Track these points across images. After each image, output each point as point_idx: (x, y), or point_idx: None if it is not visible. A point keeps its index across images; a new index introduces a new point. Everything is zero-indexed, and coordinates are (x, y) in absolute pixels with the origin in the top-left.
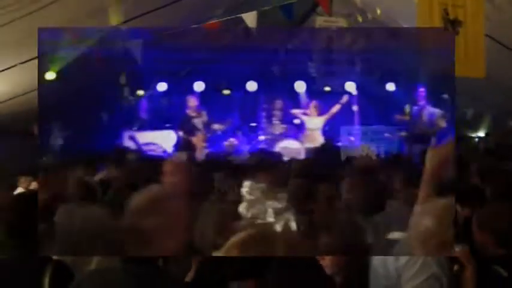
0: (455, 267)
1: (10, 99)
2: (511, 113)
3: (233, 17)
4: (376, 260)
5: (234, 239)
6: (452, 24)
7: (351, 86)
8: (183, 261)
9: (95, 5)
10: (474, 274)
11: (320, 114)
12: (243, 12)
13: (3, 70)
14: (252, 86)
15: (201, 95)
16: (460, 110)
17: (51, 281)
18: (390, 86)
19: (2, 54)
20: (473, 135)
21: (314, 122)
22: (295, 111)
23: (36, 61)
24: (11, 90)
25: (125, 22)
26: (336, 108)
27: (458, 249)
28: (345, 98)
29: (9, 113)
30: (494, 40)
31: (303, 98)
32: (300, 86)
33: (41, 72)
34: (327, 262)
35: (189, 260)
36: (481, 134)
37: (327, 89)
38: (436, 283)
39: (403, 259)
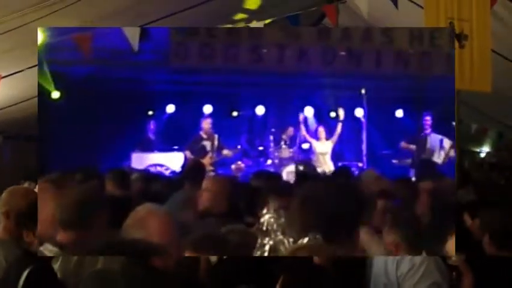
0: (454, 275)
1: (14, 104)
2: None
3: (242, 26)
4: (377, 269)
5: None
6: (459, 38)
7: (359, 112)
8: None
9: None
10: (472, 281)
11: (327, 138)
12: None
13: (7, 76)
14: (260, 109)
15: (210, 118)
16: (465, 124)
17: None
18: (399, 113)
19: (5, 60)
20: (478, 149)
21: (323, 146)
22: (305, 133)
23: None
24: (16, 95)
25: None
26: (339, 128)
27: (455, 258)
28: (341, 113)
29: (13, 118)
30: (500, 55)
31: (311, 123)
32: (308, 111)
33: (41, 78)
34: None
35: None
36: (486, 148)
37: (333, 114)
38: None
39: (404, 267)
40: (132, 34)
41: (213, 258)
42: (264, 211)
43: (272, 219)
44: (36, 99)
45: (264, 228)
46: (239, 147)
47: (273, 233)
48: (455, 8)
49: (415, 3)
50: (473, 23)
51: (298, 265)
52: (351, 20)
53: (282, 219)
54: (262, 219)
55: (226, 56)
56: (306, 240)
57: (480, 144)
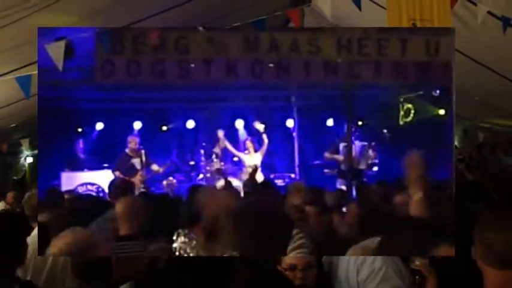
0: (417, 278)
1: None
2: (480, 125)
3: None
4: (340, 274)
5: None
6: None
7: (290, 123)
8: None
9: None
10: (435, 285)
11: (256, 150)
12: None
13: None
14: (190, 124)
15: (140, 134)
16: None
17: None
18: (329, 122)
19: None
20: None
21: (252, 159)
22: (231, 149)
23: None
24: None
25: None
26: (266, 140)
27: (418, 262)
28: (261, 126)
29: None
30: (461, 53)
31: (242, 136)
32: (239, 124)
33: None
34: (302, 275)
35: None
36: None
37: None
38: None
39: (364, 273)
40: (57, 54)
41: None
42: (175, 237)
43: (184, 244)
44: None
45: (177, 253)
46: (168, 162)
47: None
48: (417, 9)
49: (377, 4)
50: (435, 23)
51: (258, 272)
52: (317, 22)
53: (194, 242)
54: (174, 245)
55: (154, 72)
56: None
57: None
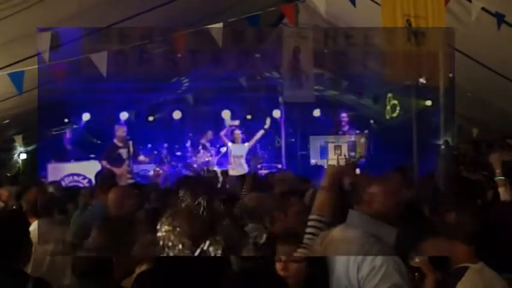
0: (417, 275)
1: None
2: (474, 122)
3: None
4: (339, 271)
5: None
6: (415, 35)
7: (276, 113)
8: None
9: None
10: (435, 282)
11: (243, 141)
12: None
13: None
14: (176, 114)
15: (126, 125)
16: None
17: None
18: (316, 113)
19: None
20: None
21: (239, 149)
22: (222, 136)
23: None
24: None
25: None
26: (259, 134)
27: (418, 259)
28: (268, 122)
29: None
30: (456, 50)
31: (228, 126)
32: (226, 114)
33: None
34: (283, 266)
35: None
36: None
37: (249, 117)
38: None
39: (364, 270)
40: (43, 44)
41: None
42: (158, 226)
43: (168, 232)
44: None
45: (161, 243)
46: (155, 152)
47: (172, 246)
48: (412, 5)
49: (372, 0)
50: (429, 19)
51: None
52: (311, 18)
53: (178, 229)
54: (158, 234)
55: (140, 63)
56: (207, 243)
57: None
